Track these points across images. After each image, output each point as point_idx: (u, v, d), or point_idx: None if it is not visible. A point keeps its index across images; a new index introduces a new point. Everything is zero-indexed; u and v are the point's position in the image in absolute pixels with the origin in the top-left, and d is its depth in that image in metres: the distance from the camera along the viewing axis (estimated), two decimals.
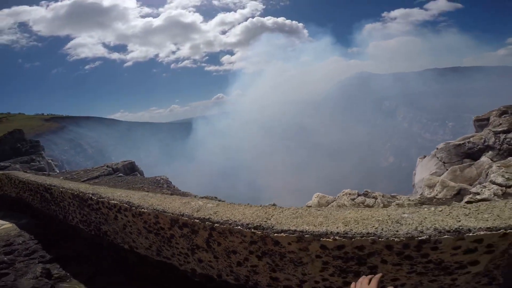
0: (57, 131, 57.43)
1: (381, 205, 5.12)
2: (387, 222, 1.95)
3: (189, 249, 3.01)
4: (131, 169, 12.38)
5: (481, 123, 10.65)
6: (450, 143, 9.07)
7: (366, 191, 6.13)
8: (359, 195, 5.98)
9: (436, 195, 5.64)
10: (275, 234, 2.17)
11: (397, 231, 1.87)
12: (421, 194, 5.96)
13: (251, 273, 2.62)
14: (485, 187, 4.47)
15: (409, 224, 1.87)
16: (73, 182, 6.12)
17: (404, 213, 2.02)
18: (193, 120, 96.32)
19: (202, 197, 5.64)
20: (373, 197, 5.77)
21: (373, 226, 1.93)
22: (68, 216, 5.45)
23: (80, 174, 12.04)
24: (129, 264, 4.13)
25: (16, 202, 7.80)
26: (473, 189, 4.64)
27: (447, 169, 7.89)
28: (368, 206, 5.21)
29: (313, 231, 2.05)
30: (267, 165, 74.70)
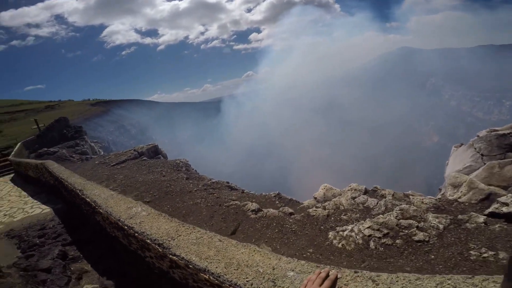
0: (102, 114, 62.66)
1: (383, 208, 4.79)
2: (264, 277, 1.83)
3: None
4: (154, 152, 13.19)
5: None
6: (494, 130, 7.77)
7: (375, 187, 5.78)
8: (366, 191, 5.66)
9: (459, 197, 4.98)
10: (170, 256, 2.33)
11: None
12: (442, 194, 5.37)
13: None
14: None
15: (281, 287, 1.69)
16: (75, 177, 6.74)
17: (290, 271, 1.84)
18: (222, 99, 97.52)
19: (147, 202, 5.92)
20: (381, 196, 5.42)
21: (247, 278, 1.85)
22: (80, 205, 6.12)
23: (111, 158, 13.22)
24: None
25: (54, 188, 8.92)
26: (502, 198, 4.00)
27: (485, 163, 6.84)
28: (368, 208, 4.92)
29: (195, 264, 2.13)
30: (297, 142, 73.94)
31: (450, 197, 5.32)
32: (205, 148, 67.19)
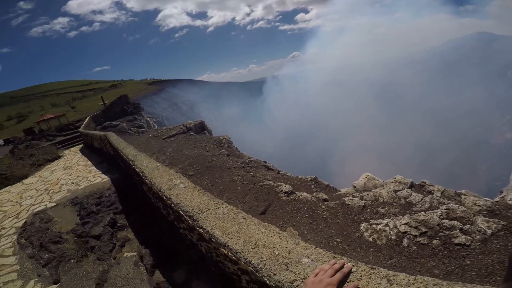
0: (158, 92, 67.94)
1: (427, 205, 4.40)
2: (278, 259, 1.80)
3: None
4: (201, 128, 13.96)
5: None
6: None
7: (423, 181, 5.31)
8: (412, 186, 5.25)
9: None
10: (198, 228, 2.47)
11: (275, 274, 1.70)
12: (501, 197, 4.75)
13: None
14: None
15: (292, 272, 1.65)
16: (129, 148, 7.47)
17: (305, 258, 1.76)
18: (267, 79, 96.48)
19: (190, 176, 6.16)
20: (428, 192, 4.98)
21: (261, 258, 1.85)
22: (132, 175, 6.89)
23: (163, 132, 14.41)
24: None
25: (113, 159, 10.14)
26: None
27: None
28: (410, 203, 4.57)
29: (218, 239, 2.19)
30: (343, 125, 70.35)
31: (510, 202, 4.73)
32: (248, 127, 68.41)
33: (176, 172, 7.28)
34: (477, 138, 65.07)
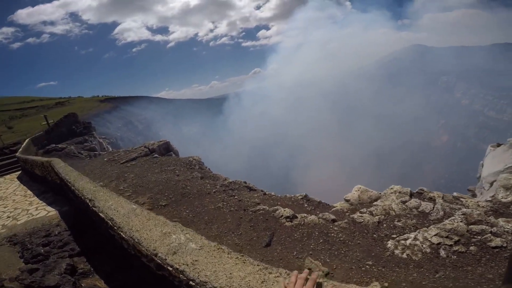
0: (111, 110, 63.00)
1: (441, 212, 4.07)
2: None
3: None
4: (166, 149, 12.62)
5: None
6: None
7: (421, 189, 5.07)
8: (411, 194, 4.94)
9: None
10: None
11: None
12: (493, 196, 4.67)
13: None
14: None
15: None
16: (84, 181, 6.12)
17: None
18: (230, 95, 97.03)
19: (163, 206, 5.18)
20: (429, 199, 4.69)
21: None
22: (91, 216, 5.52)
23: (120, 155, 12.69)
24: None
25: (61, 188, 8.39)
26: None
27: None
28: (423, 212, 4.21)
29: None
30: (305, 137, 73.32)
31: (504, 200, 4.70)
32: (211, 145, 66.97)
33: (143, 203, 6.08)
34: (420, 141, 72.99)
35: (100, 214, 3.63)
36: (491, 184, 6.68)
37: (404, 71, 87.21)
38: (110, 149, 22.30)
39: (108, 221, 3.38)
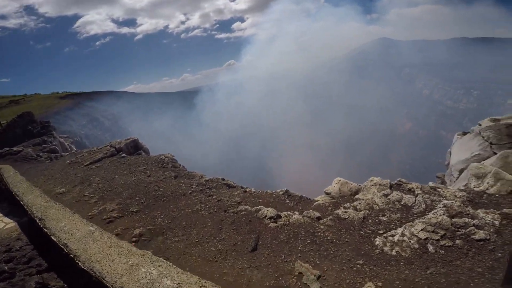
0: (73, 107, 58.36)
1: (423, 205, 4.07)
2: None
3: None
4: (134, 147, 11.77)
5: None
6: (499, 121, 7.49)
7: (400, 180, 5.08)
8: (391, 186, 4.93)
9: (487, 189, 4.52)
10: None
11: None
12: (466, 185, 4.80)
13: None
14: None
15: None
16: (34, 194, 5.39)
17: None
18: (203, 88, 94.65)
19: (134, 212, 4.77)
20: (409, 190, 4.70)
21: None
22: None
23: (84, 156, 11.62)
24: None
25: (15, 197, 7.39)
26: None
27: (494, 152, 6.54)
28: (406, 206, 4.18)
29: None
30: (278, 127, 74.36)
31: (476, 189, 4.83)
32: (185, 140, 65.11)
33: (111, 211, 5.49)
34: (386, 130, 77.28)
35: (52, 238, 3.04)
36: (460, 171, 6.99)
37: (371, 63, 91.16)
38: (74, 149, 20.55)
39: (62, 247, 2.83)
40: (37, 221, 3.54)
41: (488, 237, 3.21)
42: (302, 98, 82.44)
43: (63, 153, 16.67)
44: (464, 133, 9.09)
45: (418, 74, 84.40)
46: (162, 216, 4.79)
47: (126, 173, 8.13)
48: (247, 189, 6.63)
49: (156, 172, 8.13)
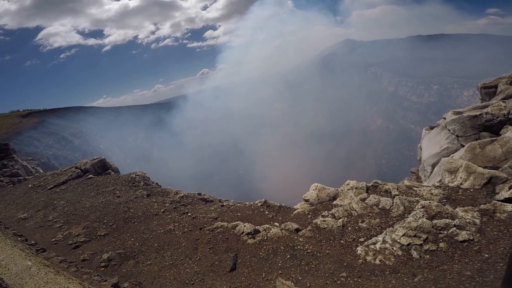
0: (37, 126, 54.16)
1: (401, 207, 4.06)
2: None
3: None
4: (102, 167, 11.03)
5: (488, 90, 9.53)
6: (461, 113, 7.90)
7: (375, 182, 5.08)
8: (368, 189, 4.91)
9: (461, 184, 4.59)
10: None
11: None
12: (441, 181, 4.89)
13: None
14: None
15: None
16: None
17: None
18: (176, 99, 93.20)
19: (102, 236, 4.45)
20: (385, 191, 4.71)
21: None
22: None
23: (48, 179, 10.75)
24: None
25: None
26: None
27: (461, 144, 6.81)
28: (385, 209, 4.14)
29: None
30: (255, 131, 75.04)
31: (450, 184, 4.90)
32: (161, 154, 63.08)
33: (77, 235, 4.98)
34: (358, 127, 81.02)
35: None
36: (432, 166, 7.23)
37: (338, 64, 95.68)
38: (41, 171, 19.05)
39: None
40: None
41: (471, 238, 3.18)
42: (277, 102, 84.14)
43: (27, 177, 15.40)
44: (431, 127, 9.47)
45: (382, 73, 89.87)
46: (132, 239, 4.40)
47: (93, 194, 7.55)
48: (225, 203, 6.38)
49: (126, 192, 7.63)
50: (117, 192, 7.49)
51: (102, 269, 3.69)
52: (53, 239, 4.85)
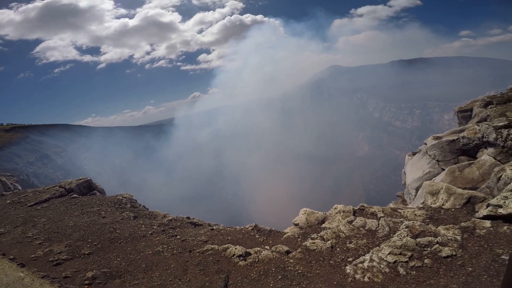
0: (19, 141, 52.27)
1: (387, 228, 4.21)
2: None
3: None
4: (87, 188, 10.75)
5: (464, 114, 10.21)
6: (441, 138, 8.39)
7: (362, 205, 5.25)
8: (355, 212, 5.07)
9: (443, 204, 4.84)
10: None
11: None
12: (424, 203, 5.13)
13: None
14: (507, 198, 3.71)
15: None
16: None
17: None
18: (166, 122, 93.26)
19: (86, 254, 4.38)
20: (372, 214, 4.88)
21: None
22: None
23: (29, 196, 10.34)
24: None
25: None
26: (494, 201, 3.84)
27: (442, 168, 7.16)
28: (371, 231, 4.29)
29: None
30: (245, 156, 74.89)
31: (433, 205, 5.16)
32: (148, 177, 61.57)
33: (59, 253, 4.79)
34: (346, 153, 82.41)
35: None
36: (417, 189, 7.52)
37: (326, 90, 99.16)
38: (20, 188, 18.26)
39: None
40: None
41: (454, 253, 3.33)
42: (267, 127, 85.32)
43: (4, 192, 14.74)
44: (414, 153, 9.96)
45: (368, 98, 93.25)
46: (118, 259, 4.27)
47: (77, 214, 7.31)
48: (215, 227, 6.33)
49: (112, 213, 7.44)
50: (103, 212, 7.30)
51: (86, 286, 3.54)
52: (33, 255, 4.64)
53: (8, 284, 2.37)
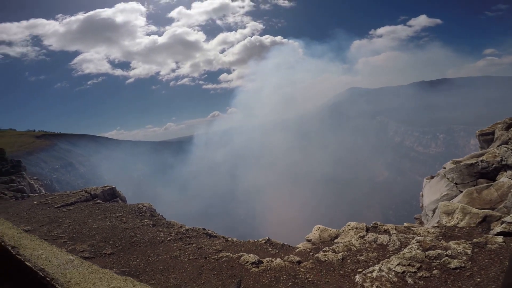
0: (48, 148, 55.53)
1: (398, 243, 4.26)
2: None
3: None
4: (111, 195, 11.34)
5: (486, 137, 9.98)
6: (460, 162, 8.28)
7: (375, 223, 5.30)
8: (367, 229, 5.12)
9: (457, 223, 4.81)
10: None
11: None
12: (439, 222, 5.10)
13: None
14: None
15: None
16: (5, 225, 5.11)
17: None
18: (186, 139, 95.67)
19: (108, 254, 4.64)
20: (384, 231, 4.91)
21: None
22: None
23: (56, 198, 11.02)
24: None
25: None
26: (508, 218, 3.85)
27: (460, 191, 7.03)
28: (382, 245, 4.34)
29: None
30: (262, 177, 74.23)
31: (448, 224, 5.13)
32: (164, 190, 62.75)
33: (82, 251, 5.15)
34: (365, 178, 79.30)
35: (27, 263, 2.88)
36: (434, 211, 7.39)
37: (345, 112, 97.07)
38: (43, 191, 19.36)
39: (38, 271, 2.67)
40: (10, 249, 3.29)
41: (463, 265, 3.36)
42: (284, 148, 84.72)
43: (31, 194, 15.77)
44: (432, 177, 9.81)
45: (388, 122, 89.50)
46: (137, 260, 4.55)
47: (100, 218, 7.75)
48: (229, 239, 6.54)
49: (133, 219, 7.84)
50: (124, 218, 7.70)
51: None
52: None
53: (58, 265, 2.70)
